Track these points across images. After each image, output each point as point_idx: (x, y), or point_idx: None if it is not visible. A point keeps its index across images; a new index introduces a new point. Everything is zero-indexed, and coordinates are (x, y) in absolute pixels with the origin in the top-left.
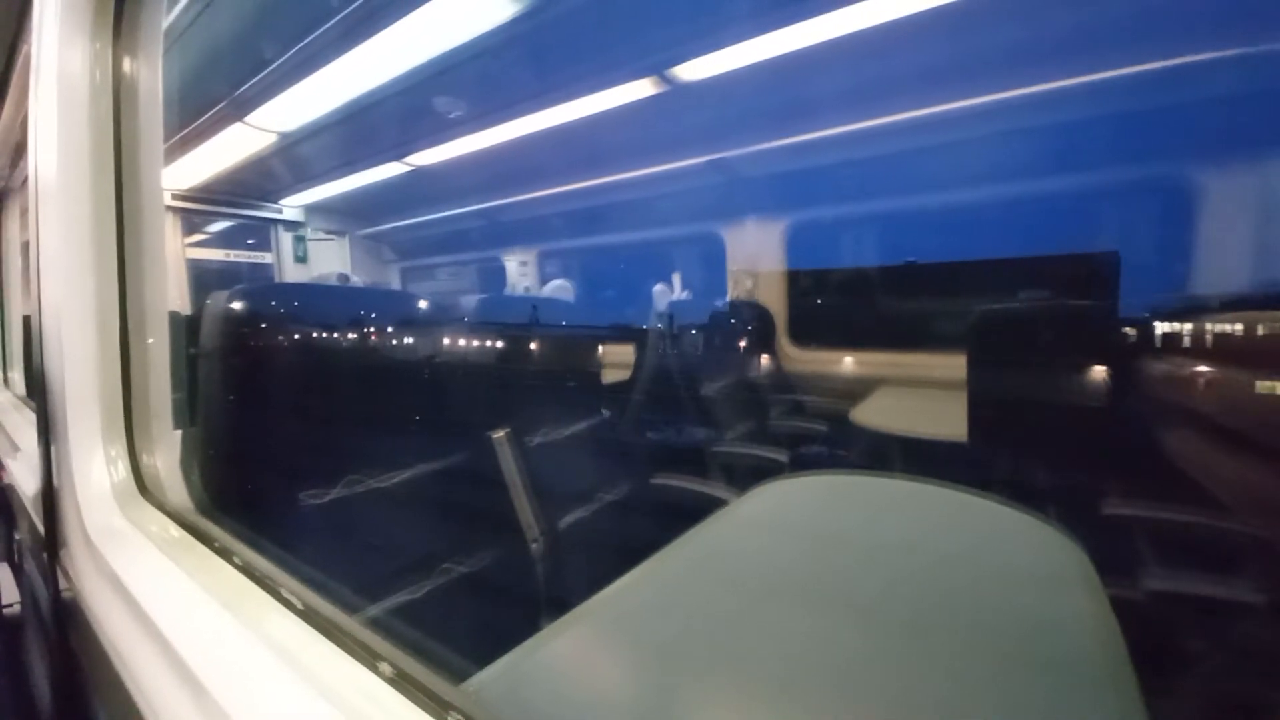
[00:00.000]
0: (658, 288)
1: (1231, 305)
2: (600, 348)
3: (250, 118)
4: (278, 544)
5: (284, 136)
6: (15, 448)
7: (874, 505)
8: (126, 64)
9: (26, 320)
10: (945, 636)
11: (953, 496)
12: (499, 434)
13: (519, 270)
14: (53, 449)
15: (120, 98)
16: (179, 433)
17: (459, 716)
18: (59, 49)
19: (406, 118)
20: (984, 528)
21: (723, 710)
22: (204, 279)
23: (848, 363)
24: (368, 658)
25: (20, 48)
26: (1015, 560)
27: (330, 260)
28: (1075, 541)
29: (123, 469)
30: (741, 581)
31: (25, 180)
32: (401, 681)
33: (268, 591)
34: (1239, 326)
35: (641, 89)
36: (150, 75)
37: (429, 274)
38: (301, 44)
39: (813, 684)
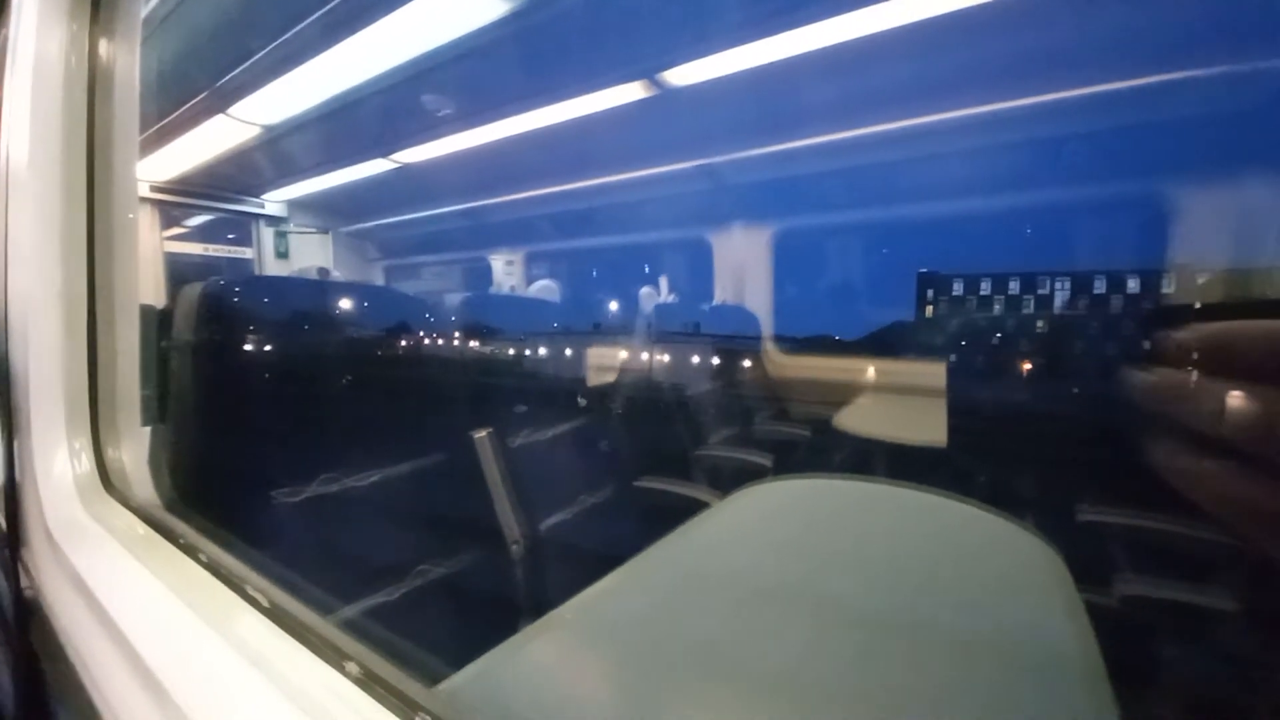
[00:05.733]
0: (644, 290)
1: None
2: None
3: (233, 110)
4: (250, 544)
5: (267, 130)
6: None
7: (853, 509)
8: (103, 50)
9: None
10: (921, 639)
11: (930, 500)
12: (480, 434)
13: (505, 270)
14: (15, 443)
15: (95, 84)
16: (148, 429)
17: (427, 717)
18: (36, 31)
19: (393, 115)
20: (960, 531)
21: (699, 714)
22: (183, 273)
23: None
24: (335, 657)
25: None
26: (991, 564)
27: (312, 257)
28: (1051, 546)
29: (87, 463)
30: (720, 585)
31: None
32: (369, 682)
33: (233, 589)
34: None
35: (631, 92)
36: (127, 62)
37: (413, 272)
38: (286, 36)
39: (789, 686)
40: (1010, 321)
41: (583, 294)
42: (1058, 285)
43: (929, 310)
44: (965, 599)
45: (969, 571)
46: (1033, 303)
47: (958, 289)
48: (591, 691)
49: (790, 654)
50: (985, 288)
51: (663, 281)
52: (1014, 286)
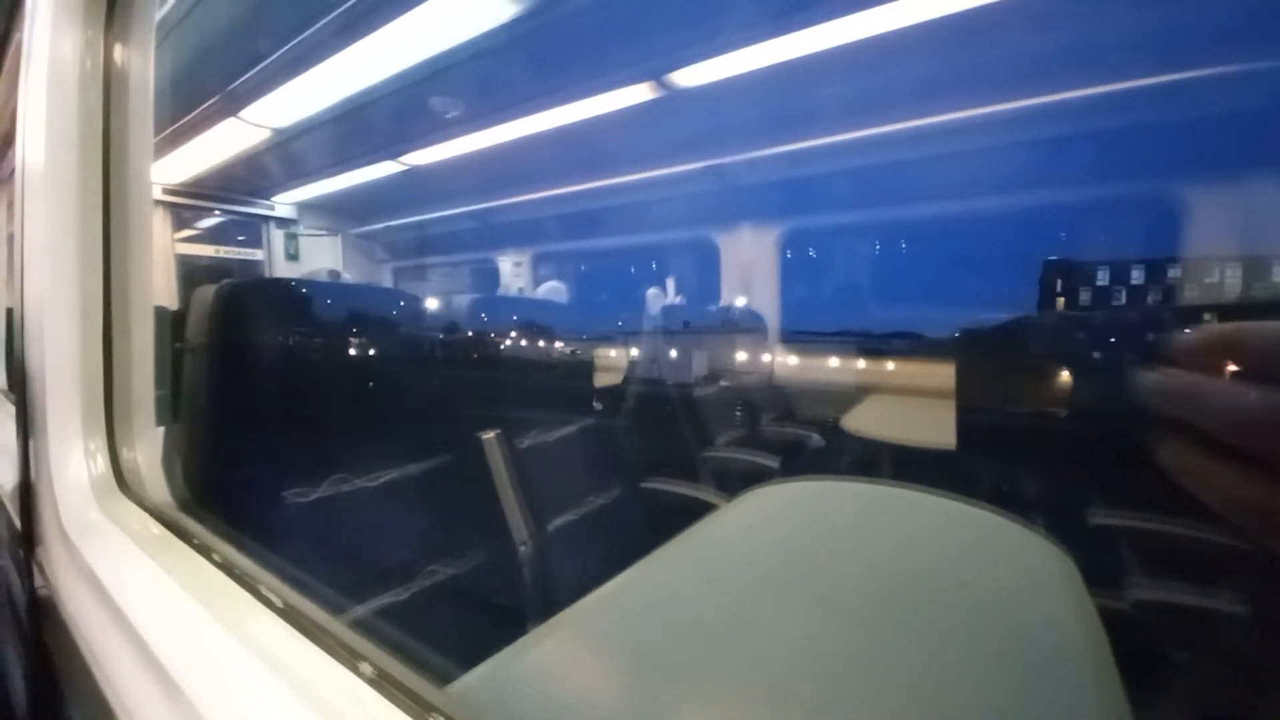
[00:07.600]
0: (651, 291)
1: None
2: None
3: (244, 113)
4: (262, 544)
5: (278, 133)
6: None
7: (860, 511)
8: (118, 54)
9: (9, 313)
10: (930, 643)
11: (939, 503)
12: (489, 435)
13: (513, 271)
14: (31, 443)
15: (110, 88)
16: (161, 429)
17: (440, 718)
18: (50, 36)
19: (402, 117)
20: (970, 535)
21: (709, 716)
22: (193, 275)
23: None
24: (348, 657)
25: (12, 35)
26: (1001, 567)
27: (322, 259)
28: (1062, 549)
29: (102, 464)
30: (727, 586)
31: (12, 172)
32: (382, 682)
33: (247, 589)
34: None
35: (639, 93)
36: (141, 66)
37: (421, 274)
38: (297, 40)
39: (798, 688)
40: (1179, 316)
41: (602, 295)
42: (1228, 274)
43: (1060, 303)
44: (975, 602)
45: (979, 575)
46: (1197, 292)
47: (1102, 279)
48: (602, 692)
49: (798, 656)
50: (1138, 276)
51: (670, 282)
52: (1173, 273)
